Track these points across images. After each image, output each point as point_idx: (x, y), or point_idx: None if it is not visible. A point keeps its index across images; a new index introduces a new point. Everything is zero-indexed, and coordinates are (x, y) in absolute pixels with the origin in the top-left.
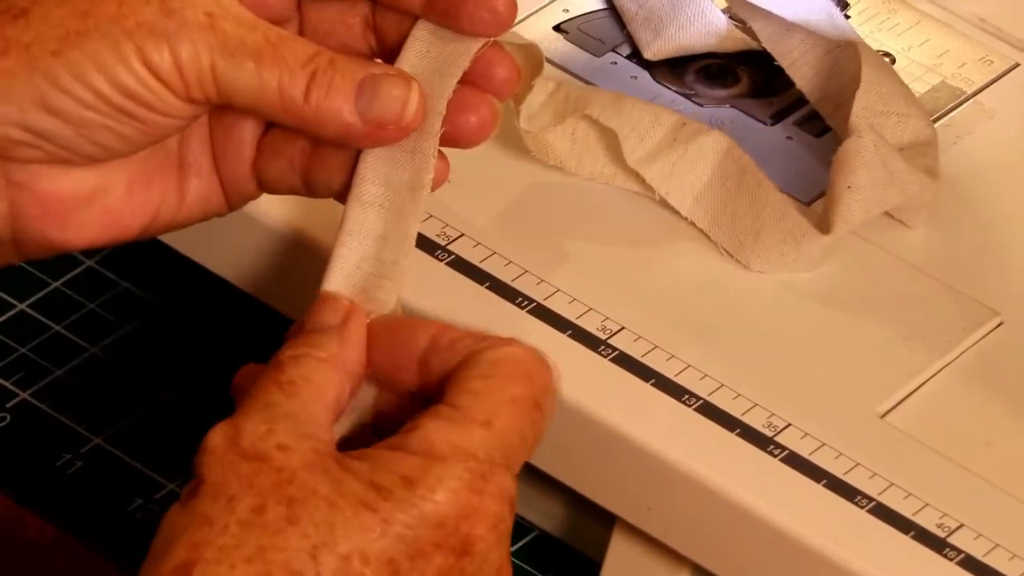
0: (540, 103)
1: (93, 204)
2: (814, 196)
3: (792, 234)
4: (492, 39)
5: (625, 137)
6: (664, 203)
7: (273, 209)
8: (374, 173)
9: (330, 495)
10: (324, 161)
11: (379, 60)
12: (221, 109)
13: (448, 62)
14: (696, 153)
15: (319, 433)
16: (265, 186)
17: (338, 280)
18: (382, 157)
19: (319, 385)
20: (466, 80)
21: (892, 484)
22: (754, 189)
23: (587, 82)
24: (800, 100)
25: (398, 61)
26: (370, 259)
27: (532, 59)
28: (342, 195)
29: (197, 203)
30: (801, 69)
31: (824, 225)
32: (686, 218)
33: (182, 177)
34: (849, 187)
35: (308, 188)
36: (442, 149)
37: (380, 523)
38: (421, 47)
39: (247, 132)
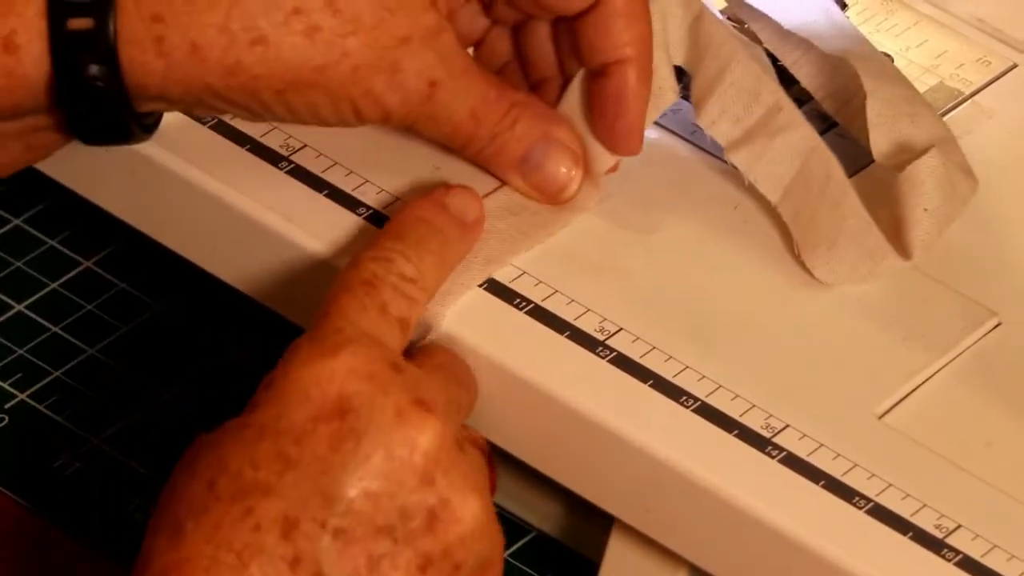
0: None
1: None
2: None
3: (872, 254)
4: None
5: (713, 122)
6: (663, 204)
7: (271, 212)
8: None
9: (215, 437)
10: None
11: (559, 104)
12: None
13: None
14: (783, 148)
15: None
16: None
17: None
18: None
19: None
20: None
21: (890, 485)
22: (839, 199)
23: None
24: (799, 100)
25: (565, 97)
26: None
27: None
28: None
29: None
30: (804, 68)
31: (902, 249)
32: (774, 206)
33: None
34: (926, 210)
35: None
36: None
37: (256, 431)
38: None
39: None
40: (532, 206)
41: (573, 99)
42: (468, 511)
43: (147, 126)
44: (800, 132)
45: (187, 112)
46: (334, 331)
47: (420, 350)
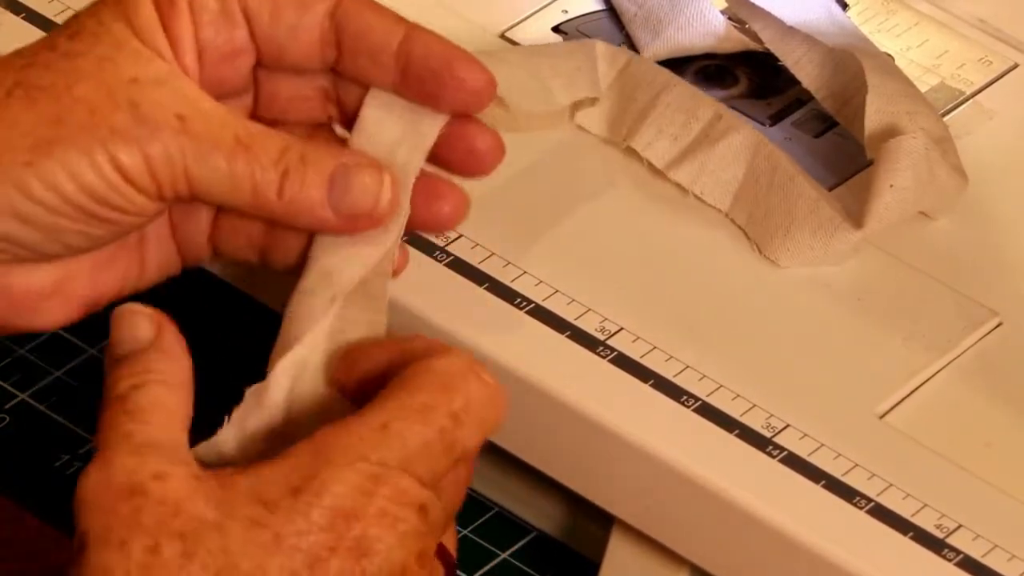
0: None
1: (59, 293)
2: None
3: (824, 228)
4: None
5: (649, 144)
6: (663, 204)
7: None
8: (330, 259)
9: (218, 519)
10: (282, 241)
11: (350, 143)
12: None
13: (413, 140)
14: (727, 151)
15: (187, 457)
16: (221, 256)
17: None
18: (342, 243)
19: (172, 409)
20: (443, 158)
21: (891, 485)
22: (786, 184)
23: None
24: (799, 100)
25: (354, 135)
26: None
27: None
28: (298, 269)
29: (156, 270)
30: (805, 67)
31: (857, 219)
32: (725, 214)
33: (142, 252)
34: (892, 186)
35: (264, 262)
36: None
37: (272, 537)
38: (377, 119)
39: (204, 210)
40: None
41: (363, 133)
42: None
43: None
44: (741, 133)
45: None
46: (379, 473)
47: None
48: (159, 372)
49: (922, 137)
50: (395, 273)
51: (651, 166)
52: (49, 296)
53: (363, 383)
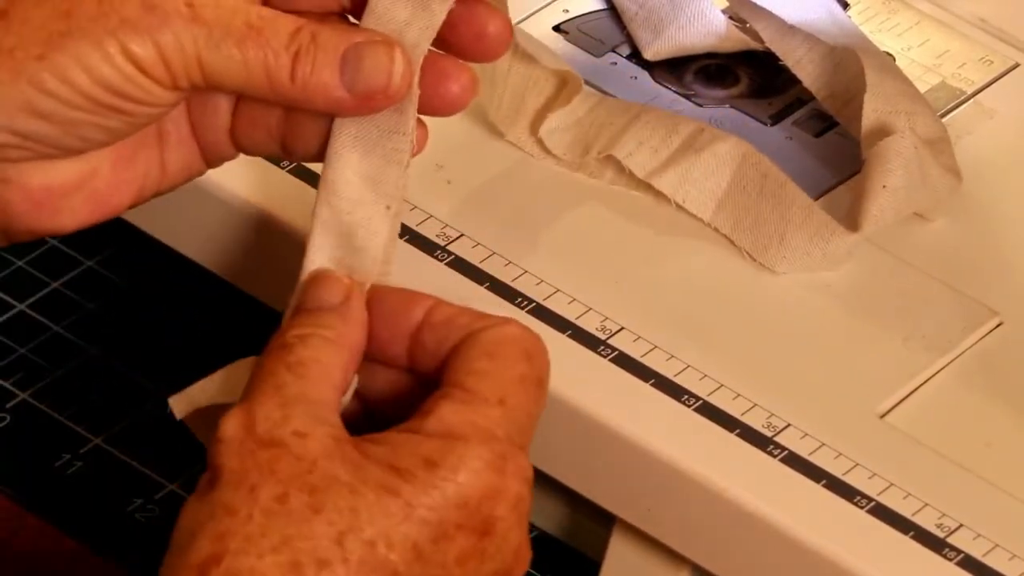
0: (564, 125)
1: (81, 190)
2: (814, 196)
3: (819, 233)
4: None
5: (630, 154)
6: (662, 203)
7: (278, 209)
8: (354, 141)
9: (351, 481)
10: (301, 127)
11: (359, 24)
12: None
13: (422, 21)
14: (711, 159)
15: (331, 417)
16: (243, 150)
17: (321, 254)
18: (361, 124)
19: (327, 365)
20: (451, 42)
21: (891, 484)
22: (777, 192)
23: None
24: (799, 100)
25: (364, 18)
26: (348, 233)
27: (571, 83)
28: (319, 158)
29: (179, 171)
30: (806, 67)
31: (852, 222)
32: (707, 223)
33: (162, 149)
34: (884, 187)
35: (286, 152)
36: (421, 117)
37: (403, 507)
38: (386, 2)
39: (223, 101)
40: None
41: (374, 13)
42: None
43: None
44: (728, 142)
45: None
46: (506, 451)
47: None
48: (329, 328)
49: (911, 136)
50: (415, 150)
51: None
52: (70, 194)
53: (436, 358)
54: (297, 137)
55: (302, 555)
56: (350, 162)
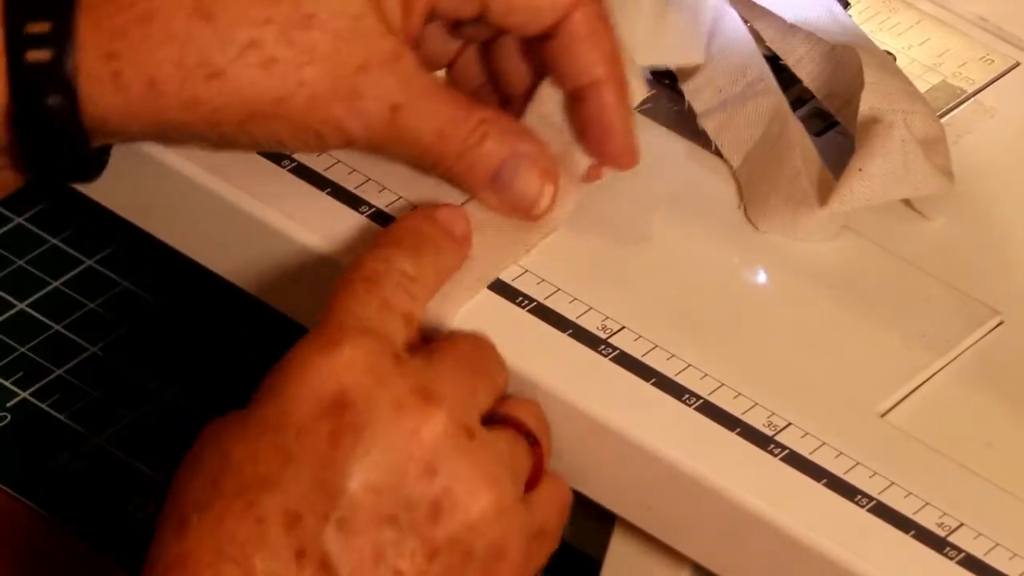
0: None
1: None
2: None
3: (793, 199)
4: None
5: (698, 89)
6: (666, 203)
7: (277, 212)
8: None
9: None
10: None
11: (529, 126)
12: None
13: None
14: (753, 111)
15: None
16: None
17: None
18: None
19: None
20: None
21: (892, 483)
22: (783, 153)
23: None
24: (800, 99)
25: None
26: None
27: None
28: None
29: None
30: (807, 67)
31: (825, 197)
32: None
33: None
34: (860, 170)
35: None
36: None
37: (256, 424)
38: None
39: None
40: (509, 221)
41: (540, 109)
42: (474, 500)
43: (101, 164)
44: (770, 97)
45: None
46: (335, 326)
47: (442, 340)
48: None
49: (900, 129)
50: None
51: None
52: None
53: None
54: None
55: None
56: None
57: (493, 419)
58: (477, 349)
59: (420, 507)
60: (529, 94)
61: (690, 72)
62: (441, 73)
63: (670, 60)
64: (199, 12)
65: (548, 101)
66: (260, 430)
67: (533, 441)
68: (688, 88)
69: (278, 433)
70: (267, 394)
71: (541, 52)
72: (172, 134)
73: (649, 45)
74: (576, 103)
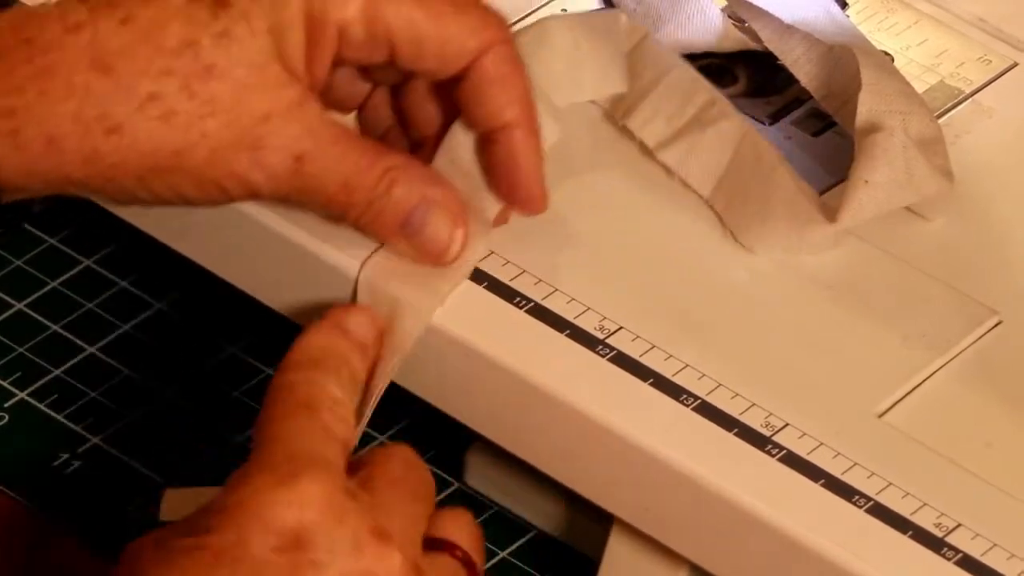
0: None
1: None
2: None
3: (798, 219)
4: None
5: (646, 122)
6: (663, 203)
7: (272, 211)
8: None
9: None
10: None
11: (439, 170)
12: None
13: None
14: (715, 137)
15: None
16: None
17: None
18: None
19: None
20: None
21: (890, 483)
22: (768, 174)
23: None
24: (798, 100)
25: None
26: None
27: None
28: None
29: None
30: (804, 67)
31: (832, 213)
32: (706, 201)
33: None
34: (867, 182)
35: None
36: None
37: (211, 555)
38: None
39: None
40: (419, 271)
41: (450, 153)
42: None
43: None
44: (731, 121)
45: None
46: (287, 458)
47: (373, 464)
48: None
49: (900, 134)
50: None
51: (643, 149)
52: None
53: None
54: None
55: None
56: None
57: (431, 543)
58: (409, 470)
59: None
60: (440, 136)
61: (629, 106)
62: (351, 116)
63: (593, 94)
64: (98, 65)
65: (459, 145)
66: (215, 560)
67: (470, 566)
68: (634, 124)
69: (236, 566)
70: (220, 524)
71: (452, 95)
72: (73, 189)
73: (568, 81)
74: (487, 146)
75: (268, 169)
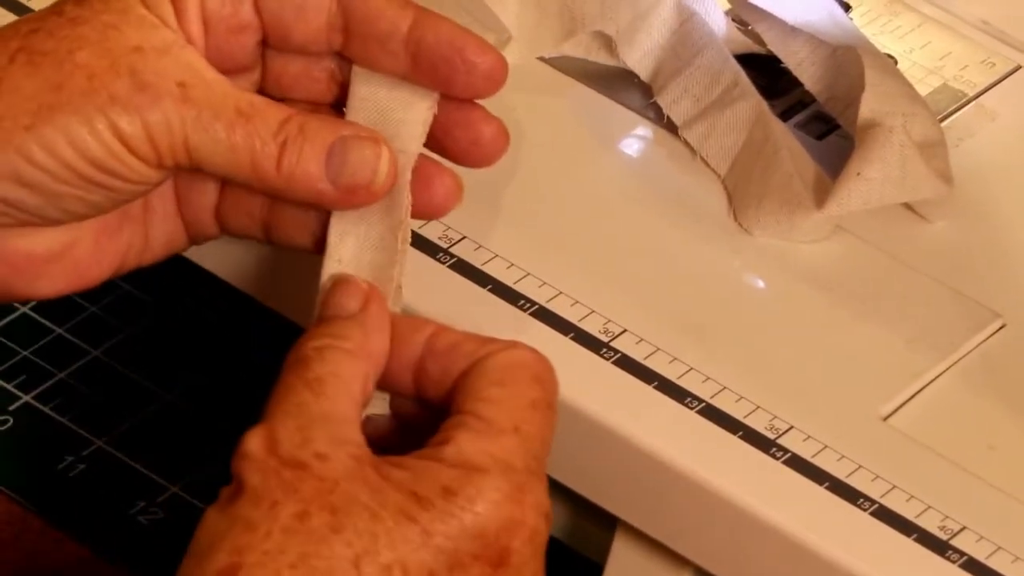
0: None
1: (62, 259)
2: None
3: (789, 203)
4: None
5: (675, 101)
6: (668, 206)
7: None
8: (345, 234)
9: (371, 504)
10: (283, 216)
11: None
12: None
13: (408, 121)
14: (732, 117)
15: (352, 435)
16: (227, 231)
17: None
18: (352, 217)
19: (347, 379)
20: (445, 147)
21: (894, 487)
22: (770, 156)
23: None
24: (801, 103)
25: (349, 113)
26: None
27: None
28: (301, 248)
29: (161, 245)
30: (808, 70)
31: (822, 200)
32: (721, 180)
33: (147, 223)
34: (858, 174)
35: (268, 238)
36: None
37: (420, 533)
38: (366, 96)
39: (211, 181)
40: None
41: (358, 92)
42: None
43: None
44: (749, 102)
45: None
46: (524, 482)
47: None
48: (346, 339)
49: (899, 133)
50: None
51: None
52: (50, 262)
53: (442, 386)
54: (279, 225)
55: (318, 574)
56: (343, 258)
57: None
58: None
59: None
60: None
61: (662, 85)
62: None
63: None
64: None
65: (364, 82)
66: (423, 540)
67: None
68: (664, 100)
69: (437, 555)
70: (444, 509)
71: (351, 44)
72: None
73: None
74: (390, 58)
75: (151, 91)
